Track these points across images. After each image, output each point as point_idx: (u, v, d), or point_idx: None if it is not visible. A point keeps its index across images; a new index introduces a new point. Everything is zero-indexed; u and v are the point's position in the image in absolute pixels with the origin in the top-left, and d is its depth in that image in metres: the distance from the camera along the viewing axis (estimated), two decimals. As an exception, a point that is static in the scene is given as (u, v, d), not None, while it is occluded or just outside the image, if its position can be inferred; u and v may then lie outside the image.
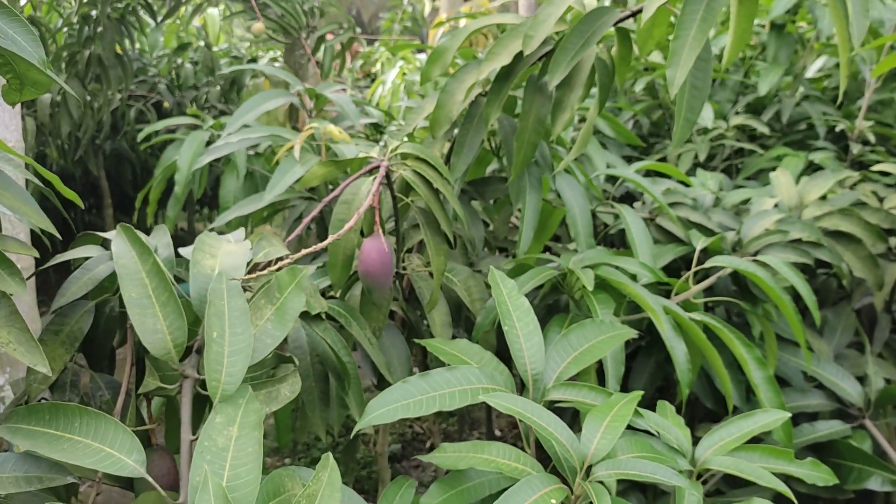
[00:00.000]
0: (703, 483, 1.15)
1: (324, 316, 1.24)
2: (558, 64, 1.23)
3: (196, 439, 0.86)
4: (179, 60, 4.52)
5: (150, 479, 0.84)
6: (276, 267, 1.02)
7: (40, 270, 1.12)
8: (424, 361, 1.81)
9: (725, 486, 1.53)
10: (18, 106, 1.87)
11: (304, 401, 1.26)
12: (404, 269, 1.56)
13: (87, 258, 1.08)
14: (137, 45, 4.57)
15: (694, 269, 1.60)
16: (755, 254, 1.73)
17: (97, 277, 1.04)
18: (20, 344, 0.83)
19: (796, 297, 1.64)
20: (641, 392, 1.08)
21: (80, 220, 5.06)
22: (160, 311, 0.92)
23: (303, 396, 1.24)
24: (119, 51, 3.62)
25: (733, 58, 1.17)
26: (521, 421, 1.13)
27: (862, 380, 1.70)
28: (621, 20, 1.27)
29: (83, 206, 1.00)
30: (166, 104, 4.24)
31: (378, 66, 5.28)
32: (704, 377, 1.71)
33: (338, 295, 1.46)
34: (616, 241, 2.20)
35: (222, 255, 1.03)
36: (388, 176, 1.30)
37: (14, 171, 0.94)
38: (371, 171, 1.30)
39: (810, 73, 2.76)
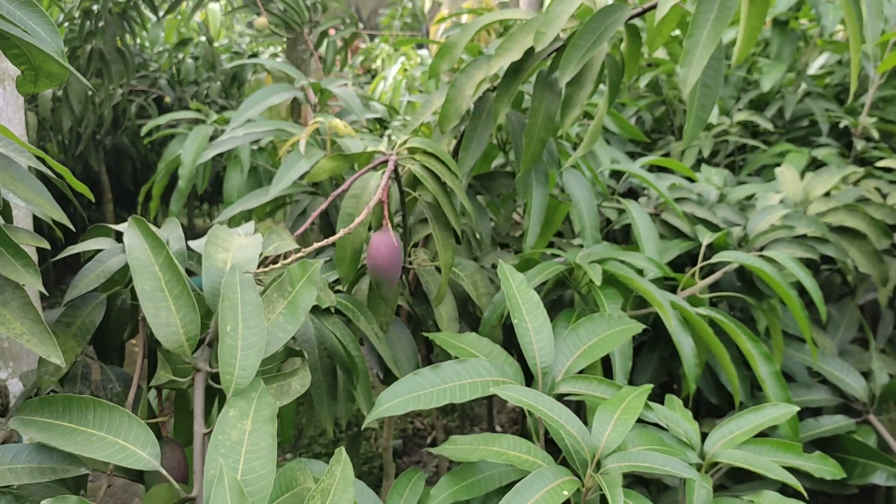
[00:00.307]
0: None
1: (332, 310, 1.24)
2: (569, 61, 1.22)
3: (209, 433, 0.86)
4: (180, 56, 4.51)
5: (164, 473, 0.84)
6: (290, 260, 1.02)
7: (51, 263, 1.12)
8: (429, 356, 1.81)
9: (729, 480, 1.54)
10: (22, 100, 1.87)
11: (312, 394, 1.26)
12: (411, 263, 1.55)
13: (97, 251, 1.08)
14: (138, 40, 4.56)
15: (700, 264, 1.61)
16: (761, 249, 1.73)
17: (109, 270, 1.04)
18: (34, 335, 0.83)
19: (800, 293, 1.65)
20: (651, 385, 1.09)
21: (80, 215, 5.05)
22: (173, 304, 0.92)
23: (311, 390, 1.24)
24: (120, 45, 3.61)
25: (743, 56, 1.17)
26: (530, 414, 1.14)
27: (866, 375, 1.70)
28: (633, 17, 1.27)
29: (93, 200, 1.00)
30: (167, 99, 4.23)
31: (378, 62, 5.28)
32: (708, 372, 1.71)
33: (345, 289, 1.46)
34: (619, 236, 2.20)
35: (234, 248, 1.03)
36: (395, 170, 1.30)
37: (26, 164, 0.94)
38: (379, 166, 1.29)
39: (813, 69, 2.77)
